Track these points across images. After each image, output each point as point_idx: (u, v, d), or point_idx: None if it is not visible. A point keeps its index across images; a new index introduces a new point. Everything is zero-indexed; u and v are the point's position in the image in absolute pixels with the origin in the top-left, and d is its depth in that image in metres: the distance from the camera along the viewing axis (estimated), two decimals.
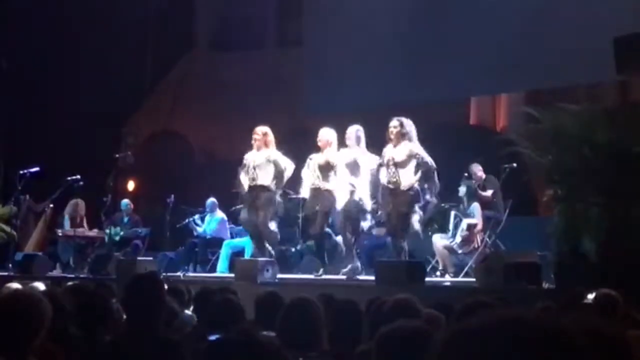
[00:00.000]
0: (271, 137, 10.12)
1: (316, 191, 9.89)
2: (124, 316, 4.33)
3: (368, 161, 9.64)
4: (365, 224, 9.81)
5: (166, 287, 3.99)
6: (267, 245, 10.02)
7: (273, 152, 10.05)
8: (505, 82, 12.59)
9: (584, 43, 10.72)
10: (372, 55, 13.51)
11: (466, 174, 11.04)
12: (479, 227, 10.62)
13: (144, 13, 16.66)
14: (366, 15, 13.74)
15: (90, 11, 15.58)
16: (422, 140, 9.30)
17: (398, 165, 9.08)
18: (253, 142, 10.11)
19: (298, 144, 11.44)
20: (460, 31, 12.36)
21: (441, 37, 12.62)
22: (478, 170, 11.15)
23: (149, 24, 17.24)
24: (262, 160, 9.99)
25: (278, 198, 10.10)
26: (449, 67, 12.42)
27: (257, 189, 9.96)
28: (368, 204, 9.68)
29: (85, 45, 15.48)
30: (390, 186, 9.11)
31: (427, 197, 9.19)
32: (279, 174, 9.96)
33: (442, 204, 11.01)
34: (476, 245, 10.51)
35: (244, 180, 10.10)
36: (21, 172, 12.53)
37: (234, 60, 17.45)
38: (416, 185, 9.01)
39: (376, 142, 9.88)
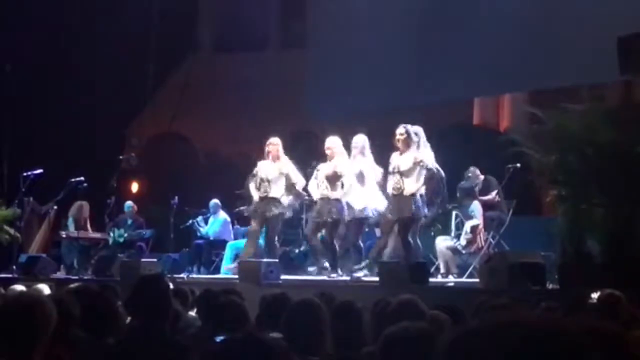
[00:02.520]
0: (281, 149, 10.18)
1: (324, 200, 9.94)
2: (128, 318, 4.34)
3: (374, 172, 9.82)
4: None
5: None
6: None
7: (285, 165, 10.09)
8: (508, 83, 12.59)
9: (587, 43, 10.71)
10: (375, 57, 13.50)
11: (464, 181, 11.01)
12: (481, 226, 10.61)
13: (147, 15, 16.67)
14: (369, 17, 13.73)
15: (93, 13, 15.59)
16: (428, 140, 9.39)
17: (403, 174, 9.34)
18: (266, 153, 10.16)
19: (301, 146, 11.45)
20: (463, 32, 12.34)
21: (445, 38, 12.61)
22: (477, 171, 11.13)
23: (152, 25, 17.24)
24: (275, 174, 10.05)
25: (289, 212, 10.18)
26: (452, 68, 12.42)
27: (267, 201, 10.03)
28: (371, 213, 9.88)
29: (88, 47, 15.48)
30: (395, 192, 9.37)
31: (433, 204, 9.45)
32: (290, 186, 10.04)
33: (446, 205, 11.01)
34: (480, 245, 10.50)
35: (254, 191, 10.16)
36: (24, 174, 12.53)
37: (237, 62, 17.45)
38: (418, 193, 9.27)
39: (379, 146, 9.91)
